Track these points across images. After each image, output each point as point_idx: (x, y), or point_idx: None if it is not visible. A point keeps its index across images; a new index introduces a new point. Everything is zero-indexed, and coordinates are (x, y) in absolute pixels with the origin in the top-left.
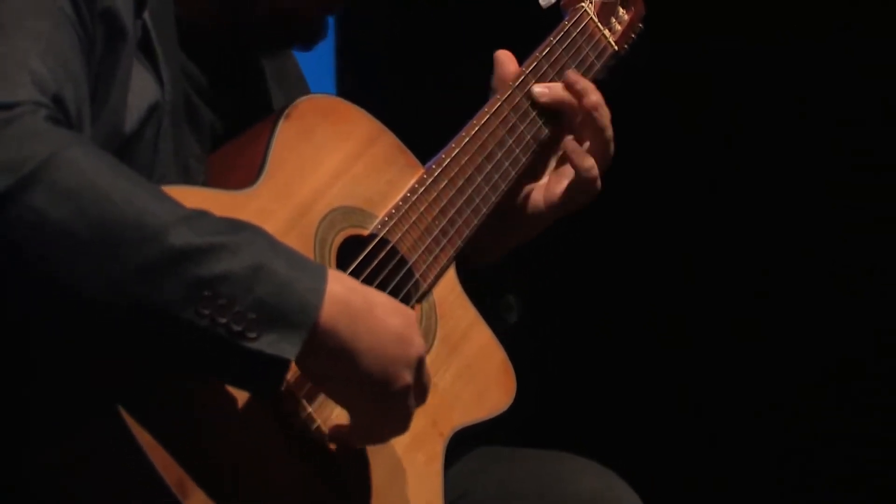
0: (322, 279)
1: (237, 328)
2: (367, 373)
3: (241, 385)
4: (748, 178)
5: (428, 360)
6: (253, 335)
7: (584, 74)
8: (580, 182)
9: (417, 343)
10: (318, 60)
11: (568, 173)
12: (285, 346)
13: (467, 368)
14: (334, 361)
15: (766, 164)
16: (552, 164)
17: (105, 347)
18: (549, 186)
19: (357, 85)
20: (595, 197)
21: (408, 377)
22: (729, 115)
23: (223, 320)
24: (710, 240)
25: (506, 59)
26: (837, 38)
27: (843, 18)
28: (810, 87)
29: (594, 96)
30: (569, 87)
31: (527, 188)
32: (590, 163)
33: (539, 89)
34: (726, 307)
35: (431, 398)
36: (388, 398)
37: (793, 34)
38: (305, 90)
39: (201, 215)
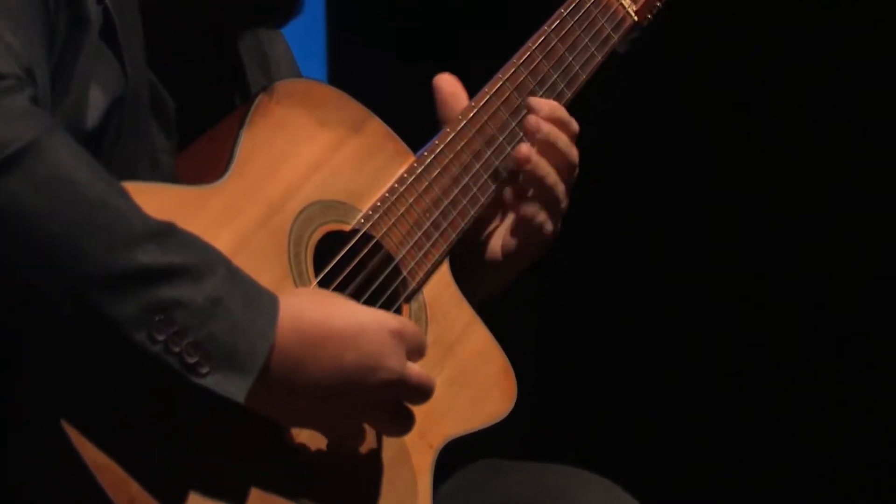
0: (273, 321)
1: (190, 360)
2: (319, 409)
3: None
4: (748, 177)
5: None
6: (204, 370)
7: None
8: (525, 229)
9: (387, 366)
10: (307, 38)
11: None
12: (232, 389)
13: (462, 373)
14: (282, 402)
15: (765, 163)
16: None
17: (54, 353)
18: (505, 231)
19: (350, 66)
20: (547, 246)
21: (370, 405)
22: (727, 116)
23: (176, 349)
24: (711, 242)
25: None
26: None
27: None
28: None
29: (531, 153)
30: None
31: (488, 231)
32: (532, 209)
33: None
34: (731, 313)
35: (419, 407)
36: (345, 428)
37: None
38: (296, 76)
39: (170, 231)
